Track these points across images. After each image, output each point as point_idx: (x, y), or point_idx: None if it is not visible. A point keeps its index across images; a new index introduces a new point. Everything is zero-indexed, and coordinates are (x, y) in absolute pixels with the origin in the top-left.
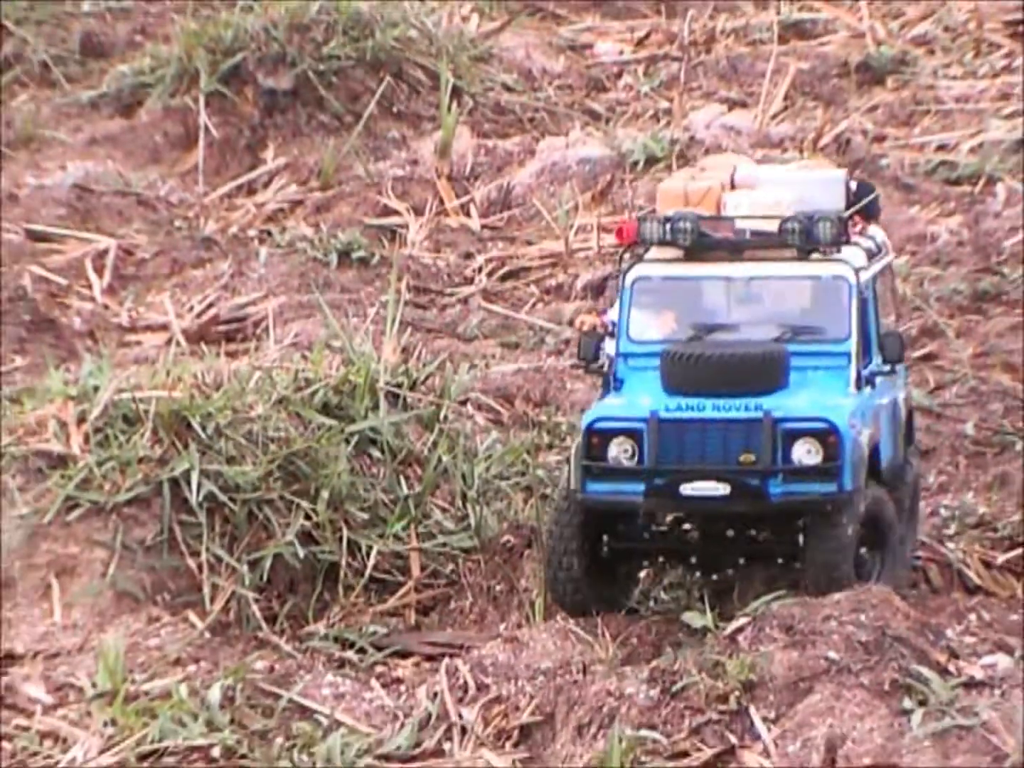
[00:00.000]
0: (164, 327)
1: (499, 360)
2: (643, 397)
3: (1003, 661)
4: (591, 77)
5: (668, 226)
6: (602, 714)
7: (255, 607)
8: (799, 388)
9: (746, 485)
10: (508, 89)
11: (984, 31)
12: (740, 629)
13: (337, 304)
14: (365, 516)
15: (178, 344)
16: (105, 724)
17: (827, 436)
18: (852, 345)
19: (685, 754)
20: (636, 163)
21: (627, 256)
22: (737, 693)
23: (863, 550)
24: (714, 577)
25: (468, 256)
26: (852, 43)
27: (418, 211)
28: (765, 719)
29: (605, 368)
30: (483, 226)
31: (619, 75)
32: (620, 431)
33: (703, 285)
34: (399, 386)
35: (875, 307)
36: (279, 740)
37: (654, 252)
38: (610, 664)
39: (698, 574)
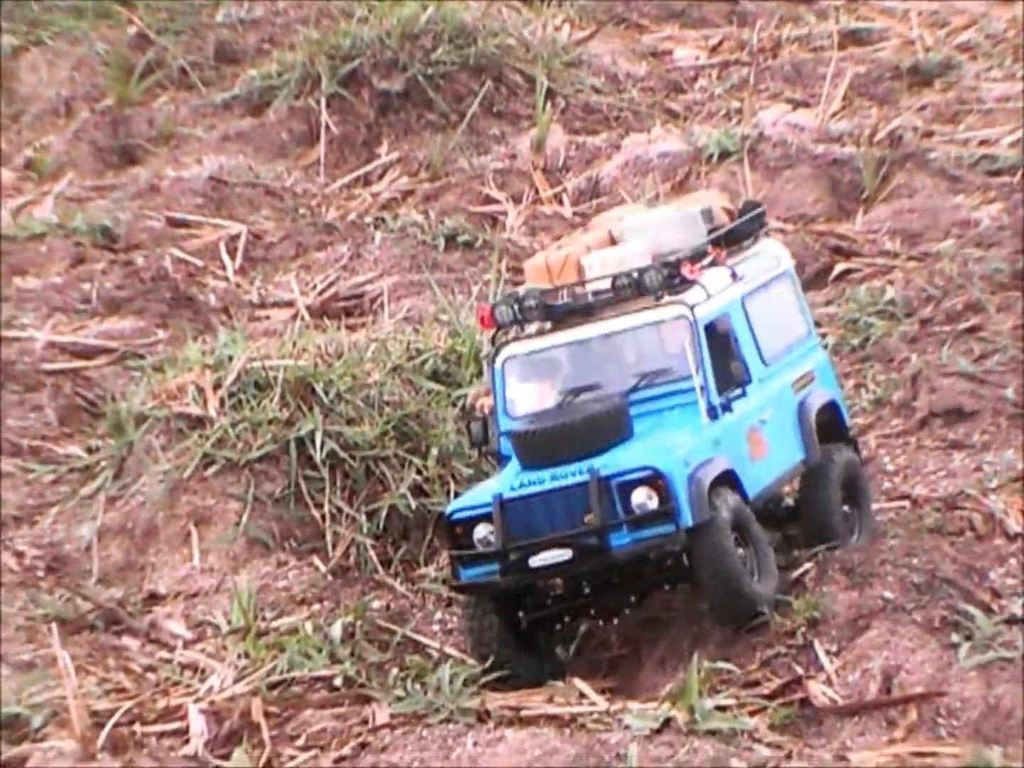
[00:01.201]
0: (290, 303)
1: None
2: (504, 477)
3: None
4: (670, 80)
5: (517, 306)
6: (681, 648)
7: (372, 552)
8: (643, 435)
9: (587, 546)
10: (596, 91)
11: (1022, 38)
12: (805, 572)
13: (444, 283)
14: (470, 471)
15: (302, 319)
16: (239, 657)
17: (656, 481)
18: (696, 380)
19: (756, 683)
20: (711, 156)
21: (496, 339)
22: (803, 629)
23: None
24: (615, 621)
25: (561, 239)
26: (903, 49)
27: (516, 200)
28: (828, 652)
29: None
30: (574, 213)
31: (695, 78)
32: (478, 517)
33: (563, 352)
34: None
35: (747, 330)
36: (394, 671)
37: (523, 330)
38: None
39: (600, 623)
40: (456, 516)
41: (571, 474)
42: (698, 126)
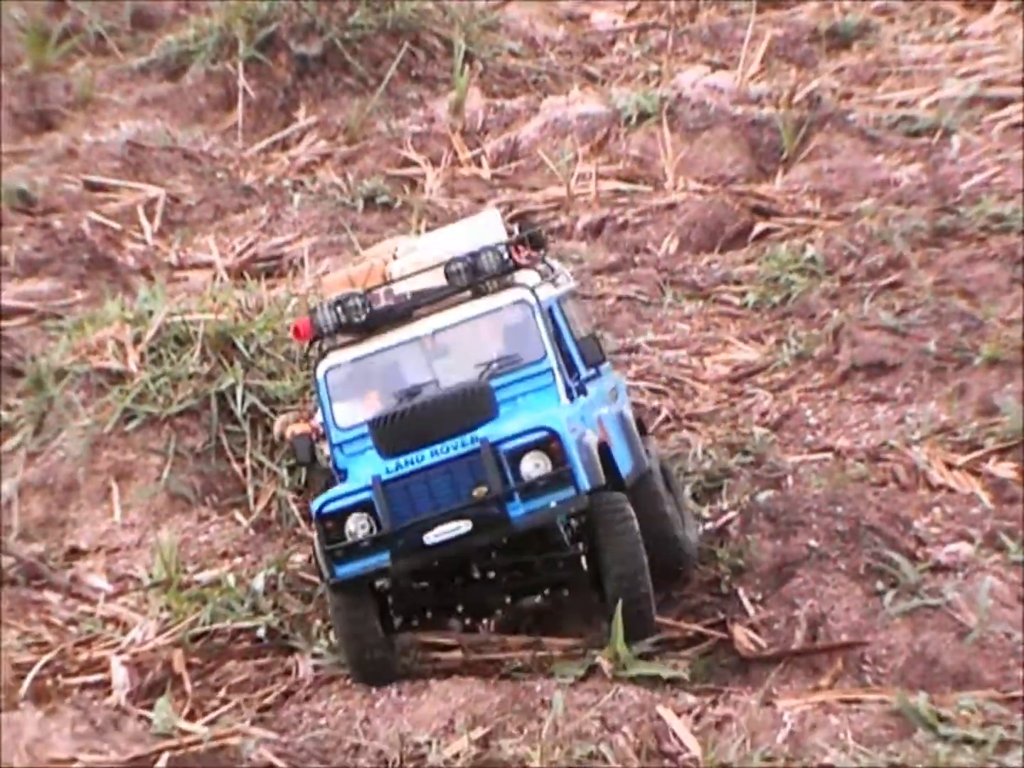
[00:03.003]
0: (209, 265)
1: None
2: (365, 471)
3: (965, 549)
4: (588, 44)
5: (339, 309)
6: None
7: (294, 507)
8: (511, 414)
9: (486, 514)
10: (514, 55)
11: (939, 1)
12: (729, 521)
13: (364, 244)
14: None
15: (222, 279)
16: (161, 610)
17: (549, 443)
18: (551, 361)
19: (681, 632)
20: (629, 118)
21: (312, 353)
22: (728, 577)
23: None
24: (484, 621)
25: (480, 201)
26: (821, 12)
27: (435, 162)
28: (752, 600)
29: (327, 466)
30: (493, 175)
31: (613, 42)
32: (352, 507)
33: (392, 354)
34: None
35: (565, 321)
36: (317, 623)
37: (338, 339)
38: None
39: (467, 621)
40: (327, 509)
41: (453, 447)
42: (616, 89)
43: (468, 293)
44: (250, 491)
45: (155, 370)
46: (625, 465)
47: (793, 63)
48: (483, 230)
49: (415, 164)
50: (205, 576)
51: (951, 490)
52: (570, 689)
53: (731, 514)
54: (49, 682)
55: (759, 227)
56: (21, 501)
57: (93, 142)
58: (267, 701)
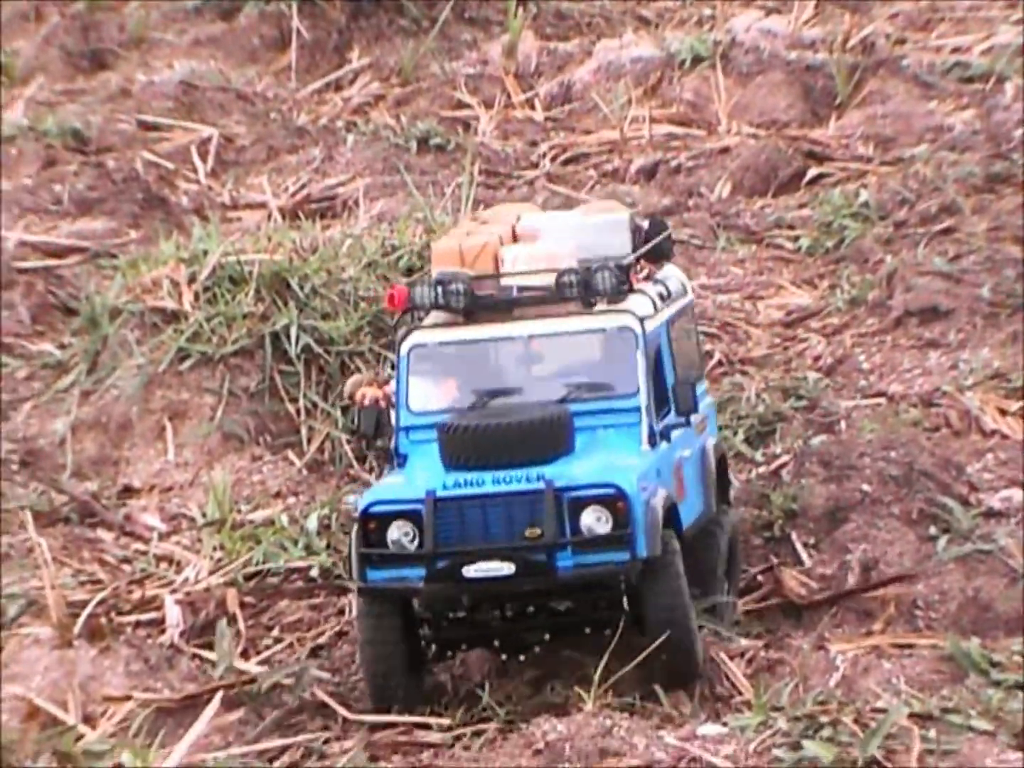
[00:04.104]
0: (262, 205)
1: None
2: (422, 475)
3: (1017, 495)
4: None
5: (440, 289)
6: None
7: (347, 447)
8: (586, 451)
9: (532, 562)
10: None
11: None
12: (783, 465)
13: (418, 185)
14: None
15: (275, 221)
16: (214, 549)
17: (616, 502)
18: (642, 399)
19: None
20: (683, 62)
21: (402, 324)
22: (780, 522)
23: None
24: (521, 658)
25: (533, 144)
26: None
27: (488, 104)
28: (805, 545)
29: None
30: (546, 118)
31: None
32: (398, 514)
33: (482, 348)
34: None
35: (670, 355)
36: None
37: (430, 317)
38: None
39: (503, 656)
40: (374, 510)
41: (517, 480)
42: (670, 32)
43: (576, 304)
44: (303, 431)
45: (209, 310)
46: (689, 516)
47: (847, 8)
48: (609, 232)
49: (468, 106)
50: (258, 516)
51: (1004, 436)
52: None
53: (784, 458)
54: (103, 620)
55: (812, 172)
56: (75, 439)
57: (146, 82)
58: (320, 641)
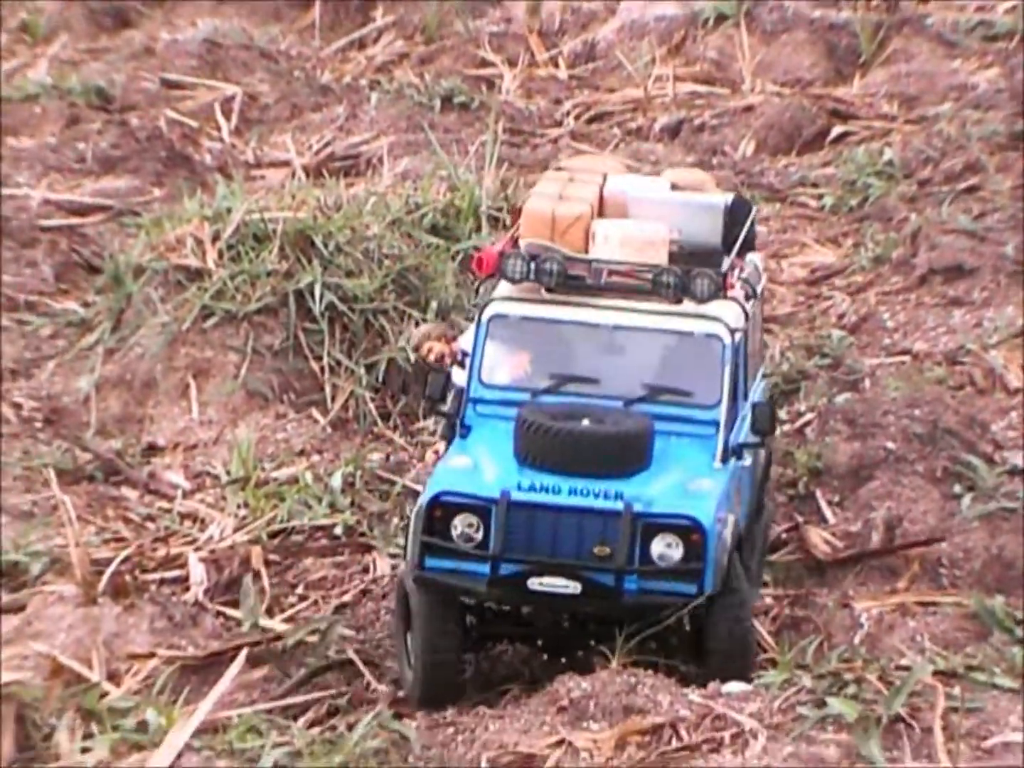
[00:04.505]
0: (286, 163)
1: None
2: (492, 465)
3: None
4: None
5: (533, 265)
6: None
7: (371, 405)
8: (661, 467)
9: (599, 584)
10: None
11: None
12: (807, 423)
13: (442, 143)
14: (469, 324)
15: (299, 179)
16: (238, 507)
17: (691, 533)
18: (722, 413)
19: None
20: (707, 20)
21: (484, 288)
22: (805, 479)
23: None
24: (563, 660)
25: (557, 102)
26: None
27: (512, 63)
28: (829, 502)
29: (452, 410)
30: (570, 76)
31: None
32: (466, 507)
33: (565, 330)
34: (499, 210)
35: (745, 367)
36: (394, 520)
37: (515, 288)
38: None
39: (544, 656)
40: (443, 500)
41: (594, 495)
42: None
43: (667, 299)
44: (327, 389)
45: (233, 267)
46: (740, 523)
47: None
48: (703, 217)
49: (492, 64)
50: (282, 473)
51: None
52: None
53: (809, 416)
54: (127, 578)
55: (836, 130)
56: (99, 397)
57: (170, 40)
58: (345, 599)
